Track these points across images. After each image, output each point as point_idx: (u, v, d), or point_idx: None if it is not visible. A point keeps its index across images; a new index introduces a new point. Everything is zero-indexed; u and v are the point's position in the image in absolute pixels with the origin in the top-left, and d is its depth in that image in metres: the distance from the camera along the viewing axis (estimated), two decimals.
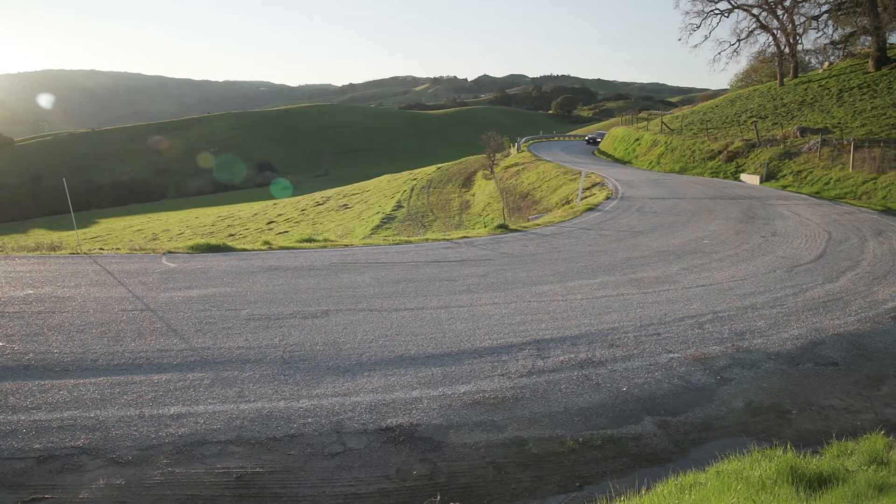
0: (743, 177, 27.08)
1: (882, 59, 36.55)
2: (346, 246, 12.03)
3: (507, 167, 41.71)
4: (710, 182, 26.31)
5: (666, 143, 36.95)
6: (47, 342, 6.08)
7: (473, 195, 39.49)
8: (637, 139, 42.30)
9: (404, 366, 5.87)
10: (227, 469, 4.16)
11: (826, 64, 44.29)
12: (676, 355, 6.36)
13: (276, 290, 8.24)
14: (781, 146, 27.08)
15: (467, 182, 45.10)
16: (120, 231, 50.65)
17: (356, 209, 41.59)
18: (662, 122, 43.88)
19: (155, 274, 8.99)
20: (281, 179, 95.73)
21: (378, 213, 36.84)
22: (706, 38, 75.56)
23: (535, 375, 5.76)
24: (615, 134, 49.47)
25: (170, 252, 10.67)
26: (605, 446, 4.69)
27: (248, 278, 8.90)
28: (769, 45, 45.49)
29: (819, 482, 3.78)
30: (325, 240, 13.14)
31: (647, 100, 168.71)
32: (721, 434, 5.00)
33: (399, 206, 37.93)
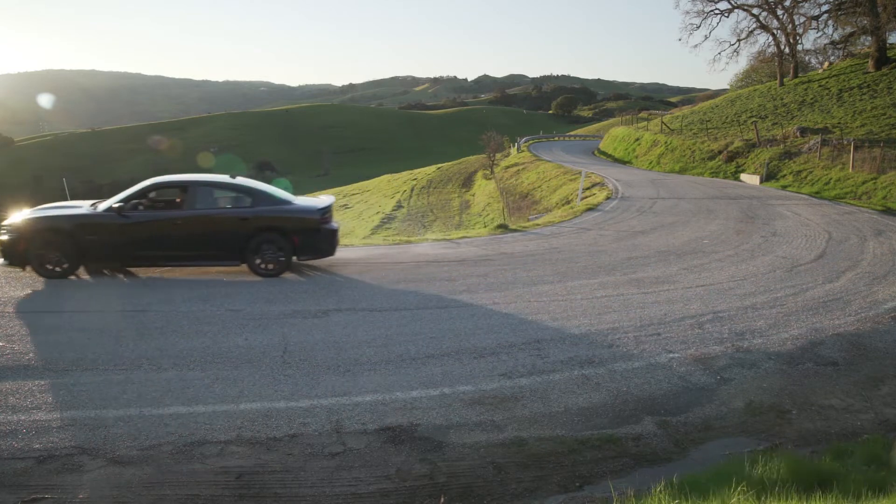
0: (743, 177, 27.06)
1: (882, 59, 36.54)
2: (345, 246, 12.03)
3: (507, 167, 41.72)
4: (710, 182, 26.31)
5: (666, 143, 36.94)
6: (47, 342, 6.08)
7: (473, 195, 39.50)
8: (637, 139, 42.29)
9: (404, 366, 5.87)
10: (227, 469, 4.16)
11: (826, 64, 44.28)
12: (676, 355, 6.36)
13: (275, 290, 8.25)
14: (781, 146, 27.07)
15: (467, 182, 45.12)
16: None
17: (356, 209, 41.61)
18: (662, 122, 43.87)
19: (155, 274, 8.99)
20: (281, 179, 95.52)
21: (378, 213, 36.86)
22: (706, 38, 75.21)
23: (535, 375, 5.76)
24: (615, 134, 49.46)
25: None
26: (605, 446, 4.68)
27: (248, 278, 8.90)
28: (769, 45, 45.50)
29: (819, 482, 3.78)
30: None
31: (647, 100, 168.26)
32: (721, 434, 4.99)
33: (399, 206, 37.95)
